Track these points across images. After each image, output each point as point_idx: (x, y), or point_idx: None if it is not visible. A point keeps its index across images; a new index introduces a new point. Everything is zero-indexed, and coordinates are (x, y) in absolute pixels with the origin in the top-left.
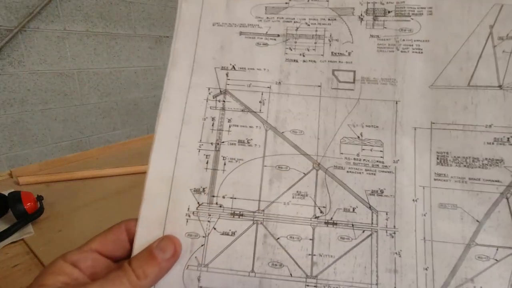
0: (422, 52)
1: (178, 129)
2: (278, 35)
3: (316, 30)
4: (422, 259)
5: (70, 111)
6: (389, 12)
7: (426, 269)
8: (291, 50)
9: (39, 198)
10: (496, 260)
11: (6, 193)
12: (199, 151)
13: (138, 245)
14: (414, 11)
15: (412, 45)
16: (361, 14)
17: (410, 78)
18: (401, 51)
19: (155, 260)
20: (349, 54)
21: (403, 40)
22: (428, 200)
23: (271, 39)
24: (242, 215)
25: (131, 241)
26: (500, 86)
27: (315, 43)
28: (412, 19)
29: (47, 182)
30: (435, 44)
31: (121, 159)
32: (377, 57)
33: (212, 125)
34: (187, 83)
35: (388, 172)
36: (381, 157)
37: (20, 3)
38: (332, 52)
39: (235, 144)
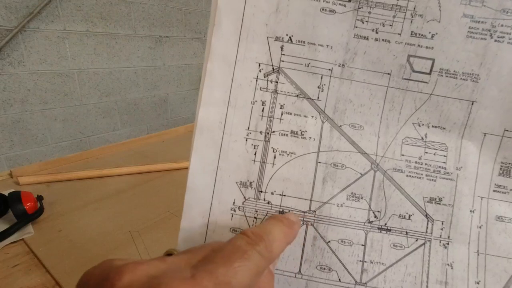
0: None
1: (223, 113)
2: (350, 0)
3: None
4: (474, 273)
5: (70, 111)
6: None
7: (477, 283)
8: (363, 23)
9: (39, 198)
10: None
11: (6, 193)
12: (246, 140)
13: (182, 239)
14: None
15: (509, 34)
16: None
17: (496, 75)
18: (495, 40)
19: (282, 222)
20: (432, 37)
21: (501, 25)
22: (485, 211)
23: (339, 4)
24: None
25: None
26: None
27: (394, 16)
28: None
29: (47, 182)
30: None
31: (121, 159)
32: (464, 45)
33: (262, 110)
34: (233, 55)
35: (450, 179)
36: (444, 162)
37: (20, 3)
38: (412, 32)
39: (287, 135)
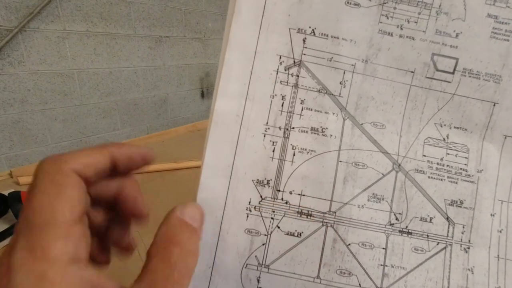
0: None
1: (240, 106)
2: None
3: None
4: (495, 278)
5: (70, 111)
6: None
7: None
8: (388, 18)
9: None
10: None
11: (6, 193)
12: (264, 136)
13: None
14: None
15: None
16: None
17: None
18: None
19: (194, 231)
20: (457, 36)
21: None
22: (505, 215)
23: None
24: (310, 215)
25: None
26: None
27: (419, 13)
28: None
29: None
30: None
31: None
32: (487, 45)
33: (282, 105)
34: (253, 45)
35: (471, 182)
36: (465, 164)
37: (20, 3)
38: (436, 30)
39: (307, 131)
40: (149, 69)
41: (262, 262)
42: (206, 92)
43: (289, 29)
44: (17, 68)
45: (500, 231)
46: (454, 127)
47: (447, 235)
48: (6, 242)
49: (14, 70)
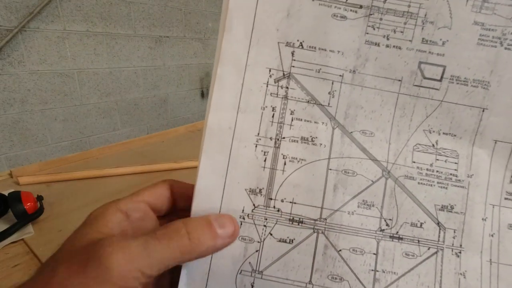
0: None
1: (232, 118)
2: (361, 6)
3: (409, 6)
4: (487, 282)
5: (70, 111)
6: None
7: None
8: (374, 29)
9: (39, 198)
10: None
11: (6, 193)
12: (256, 146)
13: None
14: None
15: None
16: None
17: (507, 83)
18: (505, 48)
19: (213, 231)
20: (443, 44)
21: (511, 33)
22: (497, 220)
23: (351, 10)
24: (302, 222)
25: (173, 199)
26: None
27: (405, 23)
28: None
29: (47, 182)
30: None
31: (121, 159)
32: (475, 52)
33: (272, 116)
34: (244, 59)
35: (461, 187)
36: (455, 169)
37: (20, 3)
38: (423, 39)
39: (297, 141)
40: (149, 69)
41: (256, 268)
42: (206, 92)
43: (278, 43)
44: (17, 68)
45: (492, 235)
46: (443, 133)
47: (438, 240)
48: (6, 242)
49: (14, 70)
